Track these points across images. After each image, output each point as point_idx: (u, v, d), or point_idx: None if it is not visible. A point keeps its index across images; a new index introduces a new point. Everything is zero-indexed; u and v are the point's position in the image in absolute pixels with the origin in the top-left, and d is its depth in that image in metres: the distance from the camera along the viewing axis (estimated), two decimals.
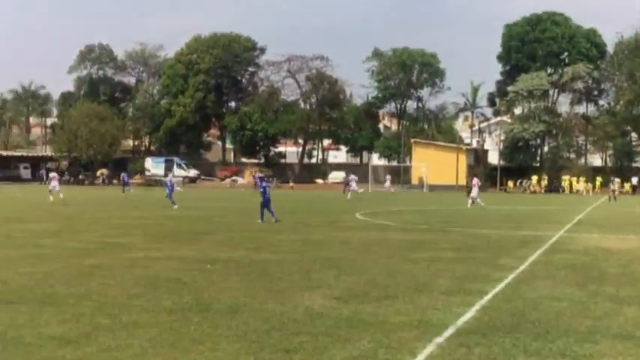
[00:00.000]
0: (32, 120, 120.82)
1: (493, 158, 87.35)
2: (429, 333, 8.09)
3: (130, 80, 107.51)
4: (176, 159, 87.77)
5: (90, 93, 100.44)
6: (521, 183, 77.43)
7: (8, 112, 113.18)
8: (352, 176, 54.34)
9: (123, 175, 55.79)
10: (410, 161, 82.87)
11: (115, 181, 75.82)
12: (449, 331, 8.20)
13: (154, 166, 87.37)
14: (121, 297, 10.09)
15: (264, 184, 27.28)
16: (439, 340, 7.79)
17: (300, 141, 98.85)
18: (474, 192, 37.35)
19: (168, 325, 8.35)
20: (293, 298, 10.23)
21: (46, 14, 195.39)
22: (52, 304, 9.56)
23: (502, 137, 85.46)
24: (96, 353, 7.10)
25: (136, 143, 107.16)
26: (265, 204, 25.39)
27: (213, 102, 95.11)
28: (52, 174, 47.65)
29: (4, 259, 14.13)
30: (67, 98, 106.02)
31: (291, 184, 77.43)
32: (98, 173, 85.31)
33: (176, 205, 33.81)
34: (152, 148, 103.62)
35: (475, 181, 38.43)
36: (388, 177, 72.65)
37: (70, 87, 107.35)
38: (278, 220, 25.03)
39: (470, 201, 37.43)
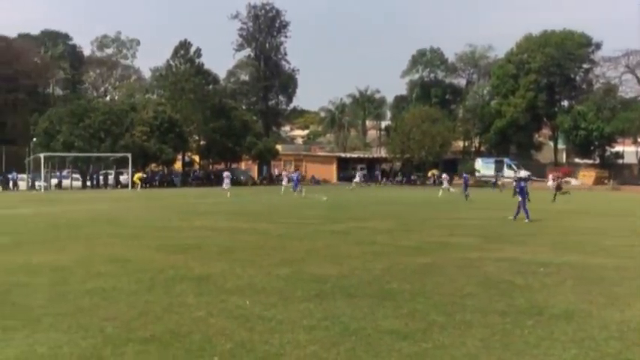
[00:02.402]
0: (368, 123, 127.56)
1: None
2: None
3: (460, 82, 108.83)
4: (506, 160, 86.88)
5: (421, 96, 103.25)
6: None
7: (347, 116, 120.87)
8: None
9: (293, 175, 57.42)
10: None
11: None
12: None
13: (484, 167, 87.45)
14: (454, 296, 10.26)
15: (521, 184, 27.74)
16: None
17: None
18: None
19: (501, 327, 8.33)
20: (633, 306, 9.65)
21: (380, 25, 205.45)
22: (389, 299, 10.00)
23: None
24: (431, 349, 7.31)
25: (466, 144, 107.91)
26: (522, 202, 26.51)
27: (544, 101, 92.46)
28: (225, 173, 51.27)
29: (346, 255, 15.07)
30: (400, 101, 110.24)
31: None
32: (429, 174, 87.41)
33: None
34: (482, 148, 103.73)
35: None
36: None
37: (402, 91, 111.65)
38: (515, 220, 25.79)
39: None
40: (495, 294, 10.43)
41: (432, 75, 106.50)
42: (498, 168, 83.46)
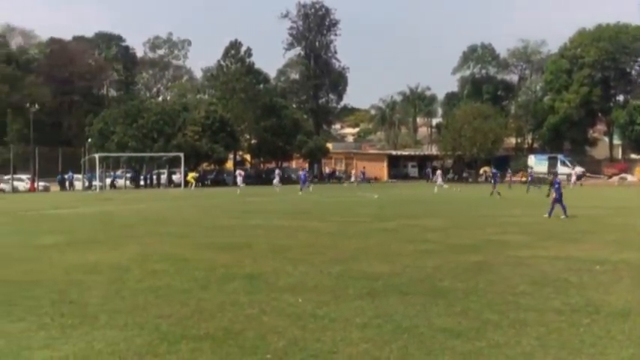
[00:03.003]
0: (419, 120, 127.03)
1: None
2: None
3: (513, 78, 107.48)
4: (560, 156, 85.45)
5: (473, 92, 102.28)
6: None
7: (397, 113, 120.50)
8: None
9: (301, 173, 57.44)
10: None
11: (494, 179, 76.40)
12: None
13: (537, 164, 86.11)
14: (508, 294, 10.13)
15: (557, 180, 27.69)
16: None
17: None
18: None
19: (556, 325, 8.21)
20: None
21: (430, 21, 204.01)
22: (442, 297, 9.93)
23: None
24: (485, 348, 7.24)
25: (519, 141, 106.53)
26: (558, 200, 25.93)
27: (599, 96, 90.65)
28: (239, 171, 51.62)
29: (397, 253, 15.02)
30: (451, 98, 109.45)
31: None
32: (481, 171, 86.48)
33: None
34: (535, 145, 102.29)
35: None
36: None
37: (453, 87, 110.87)
38: (567, 217, 25.23)
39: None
40: (550, 292, 10.28)
41: (483, 71, 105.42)
42: (552, 164, 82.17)
